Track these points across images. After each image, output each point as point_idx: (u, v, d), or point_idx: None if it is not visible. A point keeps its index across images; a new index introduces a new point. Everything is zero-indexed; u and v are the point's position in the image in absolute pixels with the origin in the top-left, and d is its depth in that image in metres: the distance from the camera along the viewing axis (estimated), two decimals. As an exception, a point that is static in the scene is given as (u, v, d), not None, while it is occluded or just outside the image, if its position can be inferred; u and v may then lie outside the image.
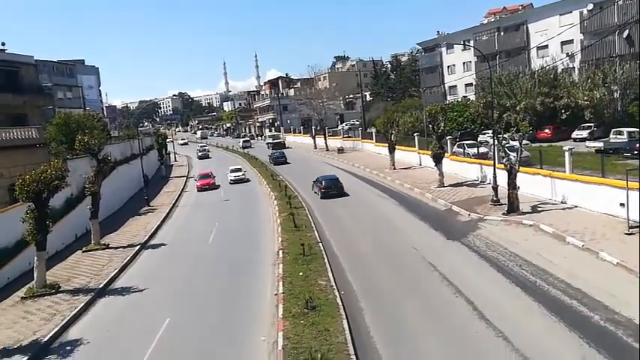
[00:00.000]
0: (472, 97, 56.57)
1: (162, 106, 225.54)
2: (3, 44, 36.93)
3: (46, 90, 43.89)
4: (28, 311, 18.73)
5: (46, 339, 16.02)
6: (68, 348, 15.65)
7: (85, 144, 28.11)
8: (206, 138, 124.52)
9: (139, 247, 26.90)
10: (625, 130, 35.65)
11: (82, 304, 18.85)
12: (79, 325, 17.55)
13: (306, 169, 48.76)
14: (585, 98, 42.67)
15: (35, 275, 20.53)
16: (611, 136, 36.30)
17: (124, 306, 19.09)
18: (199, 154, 75.06)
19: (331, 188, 34.64)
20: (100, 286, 20.82)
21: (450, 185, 32.93)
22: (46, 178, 20.38)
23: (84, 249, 26.92)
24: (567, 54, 48.15)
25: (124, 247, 26.86)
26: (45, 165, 21.55)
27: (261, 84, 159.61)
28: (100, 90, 78.84)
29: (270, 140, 77.19)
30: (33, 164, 23.89)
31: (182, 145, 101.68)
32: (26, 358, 14.79)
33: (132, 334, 16.32)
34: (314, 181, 36.99)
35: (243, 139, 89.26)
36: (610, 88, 41.41)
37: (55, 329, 16.64)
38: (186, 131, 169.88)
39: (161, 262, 24.66)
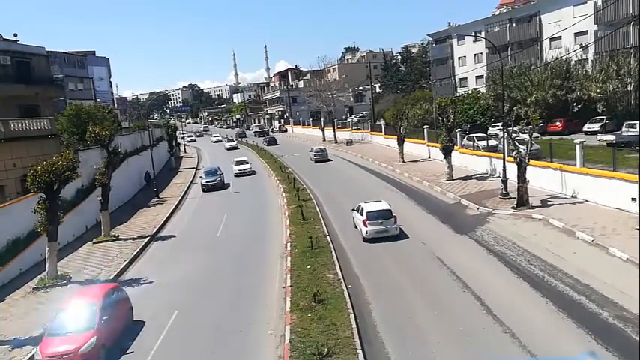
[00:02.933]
0: (483, 90, 56.12)
1: (172, 97, 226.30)
2: (15, 35, 37.18)
3: (57, 81, 44.03)
4: (40, 302, 19.03)
5: (57, 329, 16.17)
6: (78, 338, 15.80)
7: (96, 135, 28.27)
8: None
9: (148, 238, 27.13)
10: (638, 123, 35.09)
11: (93, 295, 19.05)
12: (90, 315, 17.74)
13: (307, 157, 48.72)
14: (598, 91, 42.09)
15: (47, 266, 20.81)
16: (624, 129, 35.77)
17: (133, 297, 19.21)
18: (204, 181, 40.65)
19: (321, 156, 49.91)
20: (110, 278, 21.02)
21: (459, 178, 32.76)
22: (57, 169, 20.61)
23: (94, 240, 27.23)
24: (581, 45, 47.45)
25: (133, 239, 27.10)
26: (56, 156, 21.77)
27: (271, 75, 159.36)
28: (110, 81, 79.26)
29: (257, 130, 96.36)
30: (45, 155, 24.15)
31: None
32: (37, 348, 14.98)
33: (141, 326, 16.48)
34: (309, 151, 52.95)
35: (203, 126, 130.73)
36: (624, 80, 40.79)
37: (66, 320, 16.82)
38: (196, 123, 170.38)
39: (170, 254, 24.86)
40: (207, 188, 40.15)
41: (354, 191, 33.91)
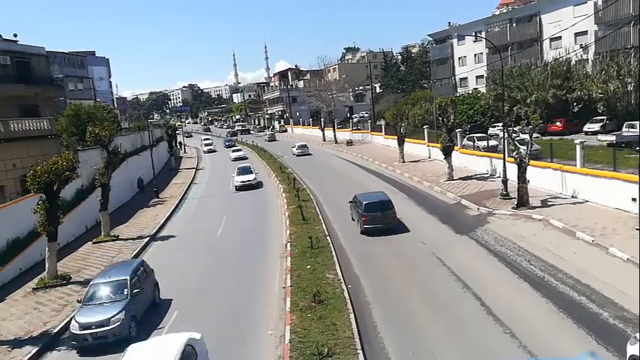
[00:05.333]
0: (483, 90, 56.13)
1: (172, 97, 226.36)
2: (15, 35, 37.16)
3: (57, 81, 43.98)
4: (39, 302, 18.99)
5: (56, 330, 16.24)
6: (78, 339, 15.77)
7: (96, 135, 28.25)
8: None
9: (148, 238, 27.10)
10: (638, 123, 35.09)
11: (92, 296, 19.02)
12: (89, 316, 17.71)
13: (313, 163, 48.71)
14: (600, 91, 42.03)
15: (46, 266, 20.78)
16: (624, 129, 35.79)
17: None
18: (76, 326, 15.17)
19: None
20: (110, 278, 20.96)
21: (459, 178, 32.74)
22: (57, 169, 20.55)
23: (94, 240, 27.20)
24: (581, 45, 47.46)
25: (133, 239, 27.07)
26: (56, 156, 21.72)
27: (271, 75, 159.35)
28: (110, 81, 79.23)
29: (240, 128, 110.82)
30: (44, 155, 24.09)
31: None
32: (37, 348, 14.98)
33: (141, 326, 16.43)
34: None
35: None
36: (624, 80, 40.76)
37: (66, 320, 16.79)
38: (196, 123, 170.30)
39: (170, 255, 24.80)
40: (79, 342, 15.19)
41: (354, 190, 33.84)
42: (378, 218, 22.87)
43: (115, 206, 34.31)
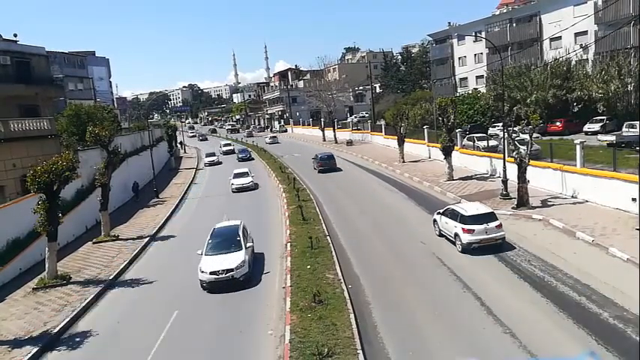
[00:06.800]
0: (483, 90, 56.10)
1: (172, 97, 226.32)
2: (15, 35, 37.14)
3: (57, 81, 43.97)
4: (40, 302, 18.99)
5: (56, 330, 16.25)
6: (78, 339, 15.86)
7: (96, 135, 28.23)
8: None
9: (148, 238, 27.10)
10: (638, 123, 35.08)
11: (93, 296, 19.08)
12: (89, 316, 17.77)
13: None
14: (600, 91, 41.98)
15: (46, 266, 20.78)
16: (624, 129, 35.77)
17: (133, 298, 19.28)
18: None
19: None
20: (110, 278, 21.03)
21: (459, 178, 32.73)
22: (57, 169, 20.53)
23: (94, 240, 27.20)
24: (581, 45, 47.43)
25: (133, 239, 27.07)
26: (56, 156, 21.71)
27: (271, 75, 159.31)
28: (110, 81, 79.19)
29: (229, 127, 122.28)
30: (45, 155, 24.08)
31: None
32: (37, 349, 14.99)
33: (141, 326, 16.49)
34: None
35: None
36: (624, 80, 40.73)
37: (66, 320, 16.86)
38: (196, 123, 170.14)
39: (170, 254, 24.83)
40: None
41: (354, 191, 33.96)
42: (327, 164, 42.65)
43: (115, 206, 34.31)
